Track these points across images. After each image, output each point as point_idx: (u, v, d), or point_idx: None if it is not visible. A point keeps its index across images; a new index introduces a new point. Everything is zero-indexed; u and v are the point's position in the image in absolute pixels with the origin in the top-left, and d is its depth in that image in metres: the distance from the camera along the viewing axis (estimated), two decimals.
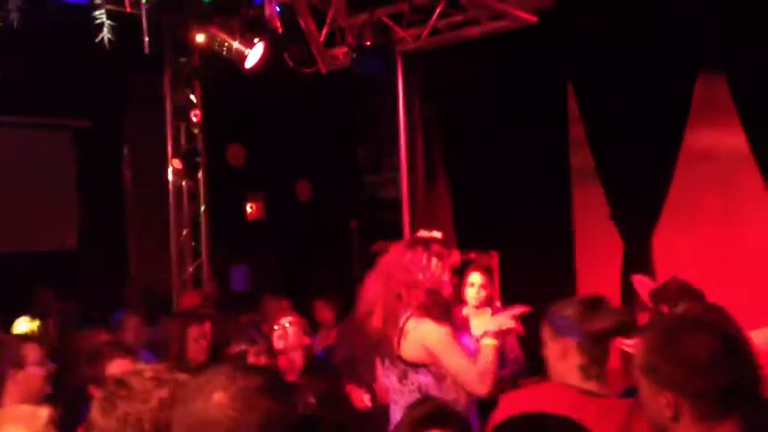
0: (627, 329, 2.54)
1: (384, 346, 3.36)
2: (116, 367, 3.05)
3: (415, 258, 3.41)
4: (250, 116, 7.74)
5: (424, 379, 3.28)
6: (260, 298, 6.45)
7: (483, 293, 5.11)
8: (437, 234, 3.66)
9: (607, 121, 6.47)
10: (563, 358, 2.49)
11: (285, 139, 8.05)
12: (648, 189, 6.34)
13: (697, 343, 1.86)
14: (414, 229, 6.76)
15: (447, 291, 3.35)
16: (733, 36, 5.54)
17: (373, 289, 3.43)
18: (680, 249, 6.32)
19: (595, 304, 2.54)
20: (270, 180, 8.32)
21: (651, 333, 1.99)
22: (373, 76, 5.82)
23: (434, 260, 3.39)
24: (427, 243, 3.47)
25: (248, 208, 8.32)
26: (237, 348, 4.63)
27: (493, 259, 6.80)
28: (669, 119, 6.19)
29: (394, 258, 3.44)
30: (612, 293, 6.32)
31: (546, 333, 2.54)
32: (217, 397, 1.54)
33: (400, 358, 3.31)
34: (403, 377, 3.36)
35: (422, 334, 3.25)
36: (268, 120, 7.86)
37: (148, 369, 2.01)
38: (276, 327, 4.51)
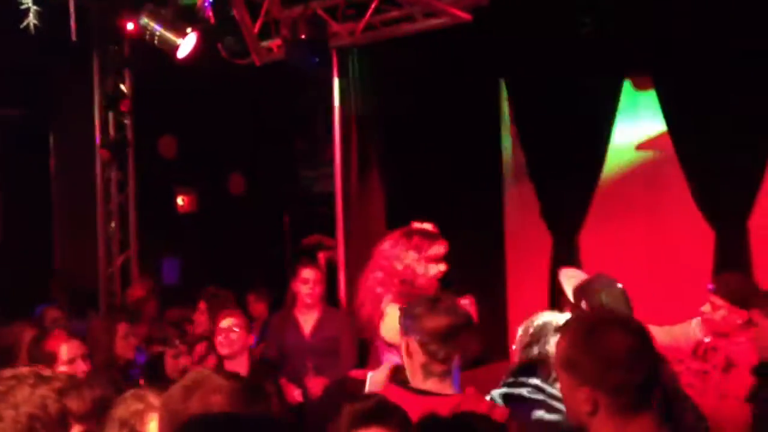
0: (463, 329, 2.61)
1: (370, 327, 3.77)
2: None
3: (395, 249, 3.84)
4: (182, 107, 7.61)
5: (395, 359, 3.43)
6: (192, 292, 6.37)
7: None
8: (428, 226, 3.86)
9: (539, 120, 6.58)
10: (410, 356, 2.58)
11: (219, 131, 7.95)
12: (577, 186, 6.48)
13: (615, 340, 1.93)
14: (347, 223, 6.76)
15: (421, 280, 3.71)
16: (659, 37, 5.69)
17: (364, 276, 3.89)
18: (607, 244, 6.48)
19: (435, 303, 2.62)
20: (202, 172, 8.20)
21: (571, 329, 2.05)
22: (308, 69, 5.80)
23: (411, 252, 3.80)
24: (409, 234, 3.84)
25: (179, 201, 8.19)
26: (156, 349, 4.57)
27: None
28: (597, 118, 6.34)
29: (381, 248, 3.90)
30: (541, 288, 6.45)
31: (400, 332, 2.65)
32: None
33: (381, 338, 3.65)
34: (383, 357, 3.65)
35: (394, 318, 3.47)
36: (202, 111, 7.74)
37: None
38: (220, 336, 4.41)
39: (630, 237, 6.55)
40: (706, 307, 3.83)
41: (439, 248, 3.96)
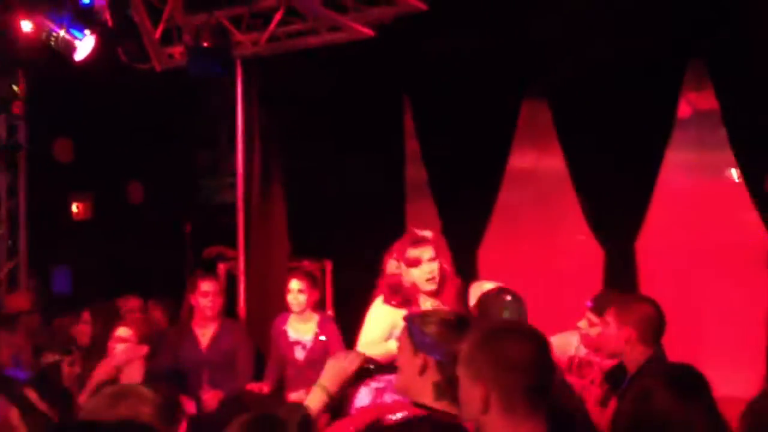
0: None
1: None
2: None
3: (386, 254, 4.04)
4: (80, 111, 7.39)
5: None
6: (84, 301, 6.18)
7: (302, 298, 5.21)
8: (427, 233, 4.00)
9: (440, 137, 6.71)
10: (421, 374, 2.47)
11: (118, 137, 7.75)
12: (476, 204, 6.63)
13: (513, 343, 2.05)
14: (248, 234, 6.71)
15: (404, 284, 3.88)
16: (553, 63, 5.91)
17: None
18: (505, 261, 6.65)
19: (460, 325, 2.55)
20: (99, 179, 7.98)
21: (476, 332, 2.16)
22: (211, 77, 5.73)
23: (392, 261, 3.98)
24: (401, 241, 3.98)
25: (74, 208, 7.93)
26: (50, 358, 4.42)
27: (327, 268, 6.88)
28: (496, 139, 6.51)
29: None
30: None
31: (405, 346, 2.52)
32: None
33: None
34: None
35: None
36: (101, 116, 7.54)
37: None
38: (115, 346, 4.28)
39: (526, 254, 6.74)
40: (583, 323, 3.95)
41: (417, 252, 3.89)
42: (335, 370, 2.59)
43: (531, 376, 2.01)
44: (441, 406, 2.42)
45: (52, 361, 4.63)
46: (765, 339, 5.29)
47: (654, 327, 3.52)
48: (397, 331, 3.37)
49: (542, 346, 2.07)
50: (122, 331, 4.22)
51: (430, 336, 2.47)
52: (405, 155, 7.23)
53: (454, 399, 2.30)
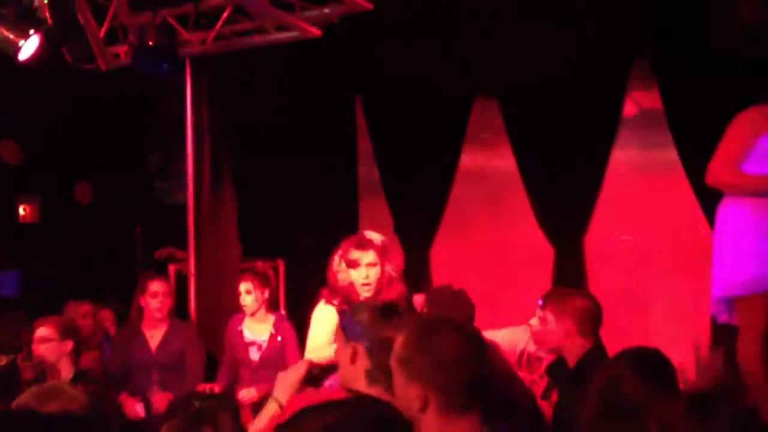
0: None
1: None
2: None
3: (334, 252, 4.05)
4: (26, 111, 7.26)
5: None
6: (33, 305, 6.10)
7: (249, 299, 5.21)
8: (375, 237, 3.98)
9: (392, 136, 6.74)
10: (353, 362, 2.50)
11: (66, 138, 7.63)
12: (428, 202, 6.67)
13: (448, 342, 2.05)
14: (198, 236, 6.65)
15: (343, 285, 3.92)
16: (503, 63, 5.98)
17: None
18: (456, 258, 6.70)
19: (388, 311, 2.58)
20: (47, 180, 7.84)
21: (410, 329, 2.15)
22: (158, 77, 5.67)
23: (336, 259, 3.99)
24: (348, 240, 3.99)
25: (21, 211, 7.79)
26: (4, 360, 4.36)
27: (279, 268, 6.86)
28: (447, 138, 6.56)
29: None
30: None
31: (339, 337, 2.56)
32: None
33: None
34: None
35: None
36: (48, 117, 7.41)
37: None
38: (39, 347, 4.22)
39: (478, 251, 6.80)
40: (534, 321, 4.00)
41: (358, 254, 3.90)
42: (284, 381, 2.67)
43: (466, 374, 2.02)
44: (374, 392, 2.43)
45: (6, 362, 4.55)
46: (709, 333, 5.42)
47: (591, 319, 3.58)
48: None
49: (477, 343, 2.09)
50: (42, 331, 4.16)
51: (360, 323, 2.51)
52: (357, 154, 7.24)
53: (388, 386, 2.34)
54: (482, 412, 2.05)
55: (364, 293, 3.88)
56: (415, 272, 6.41)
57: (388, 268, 3.94)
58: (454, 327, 2.14)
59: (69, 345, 4.13)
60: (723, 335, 4.72)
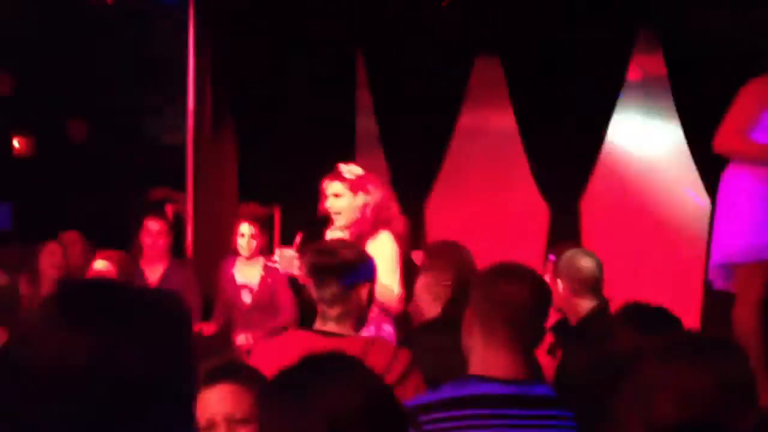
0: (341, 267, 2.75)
1: None
2: None
3: None
4: (20, 43, 7.15)
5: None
6: (26, 237, 6.09)
7: (253, 243, 5.22)
8: (348, 170, 4.13)
9: (392, 91, 6.72)
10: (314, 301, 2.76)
11: (61, 72, 7.53)
12: (425, 158, 6.68)
13: (505, 282, 2.31)
14: (197, 176, 6.64)
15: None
16: (507, 22, 5.97)
17: None
18: (452, 215, 6.75)
19: (321, 248, 2.83)
20: (41, 115, 7.75)
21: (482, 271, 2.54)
22: (160, 6, 5.55)
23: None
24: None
25: (15, 143, 7.72)
26: (3, 281, 4.38)
27: (275, 213, 6.86)
28: (447, 96, 6.55)
29: None
30: None
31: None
32: None
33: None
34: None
35: None
36: (43, 50, 7.30)
37: None
38: None
39: (474, 209, 6.85)
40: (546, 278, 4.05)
41: (325, 184, 4.11)
42: None
43: (511, 311, 2.23)
44: (326, 327, 2.69)
45: (5, 284, 4.56)
46: (701, 299, 5.52)
47: (590, 280, 3.64)
48: None
49: (533, 286, 2.30)
50: (100, 264, 4.17)
51: (308, 263, 2.76)
52: (356, 106, 7.22)
53: (339, 321, 2.65)
54: (524, 351, 2.35)
55: (337, 222, 4.06)
56: (411, 229, 6.45)
57: (363, 199, 4.03)
58: (517, 271, 2.38)
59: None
60: (715, 301, 4.82)
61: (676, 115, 5.82)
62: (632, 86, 6.21)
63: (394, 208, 4.29)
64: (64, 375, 1.00)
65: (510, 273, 2.32)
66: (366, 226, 3.99)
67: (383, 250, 3.90)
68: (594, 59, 5.91)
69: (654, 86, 6.23)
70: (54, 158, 7.86)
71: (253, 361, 2.63)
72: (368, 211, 4.01)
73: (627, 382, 2.12)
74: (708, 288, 4.77)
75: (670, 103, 5.85)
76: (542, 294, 2.32)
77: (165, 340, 1.07)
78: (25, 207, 7.60)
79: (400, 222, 4.23)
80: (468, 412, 2.13)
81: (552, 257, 4.10)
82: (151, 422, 1.03)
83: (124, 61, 7.64)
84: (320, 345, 2.43)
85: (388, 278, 3.75)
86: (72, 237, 5.93)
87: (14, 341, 1.10)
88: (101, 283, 1.28)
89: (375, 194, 4.07)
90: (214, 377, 2.08)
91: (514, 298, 2.22)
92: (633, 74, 6.18)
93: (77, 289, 1.14)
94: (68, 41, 7.40)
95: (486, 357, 2.21)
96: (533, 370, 2.37)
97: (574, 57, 5.92)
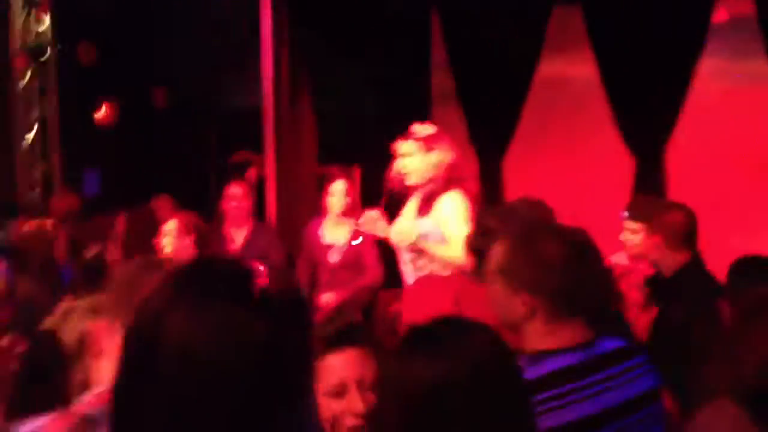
0: None
1: None
2: None
3: None
4: (104, 15, 7.31)
5: None
6: (112, 204, 6.28)
7: (346, 200, 5.20)
8: (420, 129, 4.03)
9: (468, 44, 6.62)
10: None
11: (141, 41, 7.68)
12: (503, 112, 6.58)
13: (553, 248, 2.03)
14: (277, 141, 6.71)
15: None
16: None
17: None
18: (530, 170, 6.65)
19: None
20: (124, 83, 7.93)
21: (508, 238, 2.13)
22: None
23: None
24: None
25: (101, 111, 7.93)
26: (94, 250, 4.53)
27: (355, 174, 6.90)
28: (525, 47, 6.42)
29: None
30: None
31: None
32: None
33: None
34: None
35: None
36: (125, 20, 7.46)
37: None
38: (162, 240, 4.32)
39: (554, 163, 6.74)
40: (624, 235, 3.96)
41: (399, 144, 4.05)
42: None
43: (574, 278, 2.01)
44: None
45: (96, 252, 4.73)
46: None
47: (684, 233, 3.54)
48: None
49: (579, 245, 2.07)
50: (169, 224, 4.26)
51: None
52: (431, 63, 7.15)
53: None
54: (587, 317, 2.07)
55: (408, 182, 3.99)
56: (488, 183, 6.41)
57: (435, 157, 3.93)
58: (556, 232, 2.14)
59: (187, 240, 4.21)
60: None
61: (765, 57, 5.57)
62: (718, 29, 5.95)
63: (467, 169, 4.22)
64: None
65: (546, 233, 2.14)
66: (439, 184, 3.92)
67: (455, 206, 3.86)
68: (678, 2, 5.69)
69: (741, 28, 5.97)
70: (138, 125, 8.06)
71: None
72: (441, 170, 3.94)
73: (723, 336, 2.06)
74: None
75: (759, 45, 5.60)
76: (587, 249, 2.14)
77: (296, 325, 1.12)
78: (110, 173, 7.83)
79: (473, 182, 4.17)
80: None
81: (624, 214, 3.99)
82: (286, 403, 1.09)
83: (201, 27, 7.73)
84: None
85: (460, 234, 3.67)
86: (163, 202, 6.10)
87: (144, 321, 1.13)
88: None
89: (447, 153, 3.99)
90: (342, 341, 1.99)
91: (569, 260, 2.01)
92: (719, 16, 5.92)
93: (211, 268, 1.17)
94: (147, 13, 7.53)
95: (551, 329, 2.03)
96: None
97: (656, 2, 5.71)
